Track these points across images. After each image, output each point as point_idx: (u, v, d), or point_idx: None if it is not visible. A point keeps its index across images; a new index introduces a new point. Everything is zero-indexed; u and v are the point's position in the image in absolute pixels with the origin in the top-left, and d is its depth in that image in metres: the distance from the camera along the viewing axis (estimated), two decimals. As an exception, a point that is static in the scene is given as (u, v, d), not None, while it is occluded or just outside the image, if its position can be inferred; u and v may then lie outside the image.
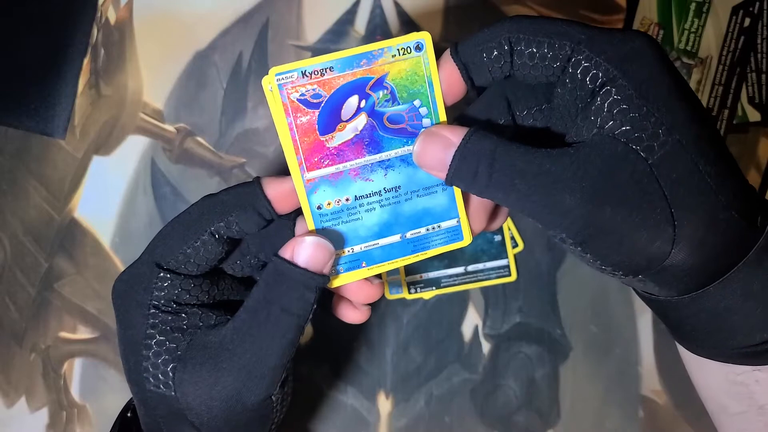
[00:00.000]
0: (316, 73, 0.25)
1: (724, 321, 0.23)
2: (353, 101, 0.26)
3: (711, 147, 0.22)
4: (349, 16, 0.41)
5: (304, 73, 0.25)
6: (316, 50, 0.41)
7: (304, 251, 0.26)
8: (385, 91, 0.26)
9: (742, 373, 0.24)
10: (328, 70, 0.25)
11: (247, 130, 0.41)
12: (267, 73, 0.25)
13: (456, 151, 0.24)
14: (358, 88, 0.26)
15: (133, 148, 0.41)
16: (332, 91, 0.25)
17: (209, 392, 0.25)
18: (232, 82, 0.41)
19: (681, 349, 0.27)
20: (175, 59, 0.41)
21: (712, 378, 0.26)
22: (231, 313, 0.28)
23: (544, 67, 0.24)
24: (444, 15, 0.41)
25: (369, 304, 0.30)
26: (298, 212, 0.28)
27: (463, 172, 0.24)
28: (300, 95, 0.25)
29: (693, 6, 0.40)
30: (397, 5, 0.41)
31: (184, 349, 0.26)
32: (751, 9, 0.40)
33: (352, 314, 0.30)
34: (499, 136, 0.24)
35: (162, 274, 0.26)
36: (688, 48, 0.40)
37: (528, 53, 0.24)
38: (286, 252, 0.26)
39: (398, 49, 0.25)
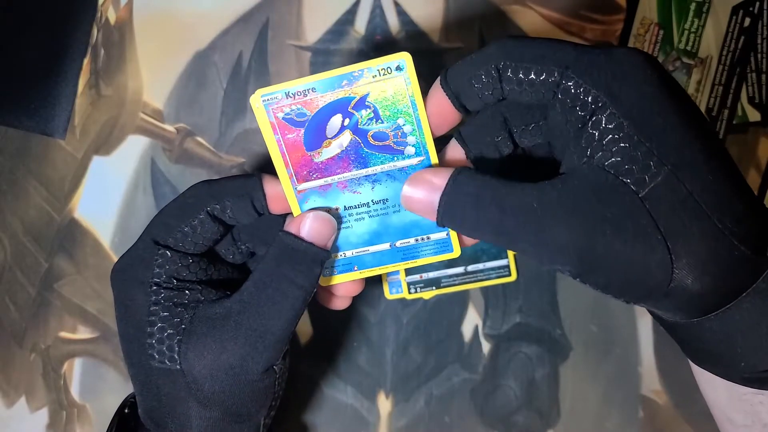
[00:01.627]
0: (299, 93, 0.26)
1: (728, 347, 0.23)
2: (336, 120, 0.27)
3: (709, 172, 0.21)
4: (349, 16, 0.41)
5: (288, 94, 0.26)
6: (316, 50, 0.41)
7: (310, 225, 0.27)
8: (368, 110, 0.27)
9: (747, 393, 0.24)
10: (310, 90, 0.26)
11: (247, 130, 0.41)
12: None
13: (441, 195, 0.24)
14: (340, 107, 0.27)
15: (133, 148, 0.41)
16: (316, 110, 0.27)
17: (215, 362, 0.26)
18: (232, 82, 0.41)
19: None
20: (175, 59, 0.41)
21: (719, 391, 0.26)
22: (230, 290, 0.28)
23: (534, 92, 0.24)
24: (444, 15, 0.41)
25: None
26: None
27: (451, 216, 0.25)
28: (285, 114, 0.27)
29: (693, 6, 0.40)
30: (397, 5, 0.41)
31: (188, 322, 0.27)
32: (751, 9, 0.40)
33: (336, 302, 0.31)
34: (484, 174, 0.24)
35: (161, 251, 0.27)
36: (688, 48, 0.40)
37: (516, 80, 0.24)
38: (292, 227, 0.27)
39: (378, 70, 0.26)
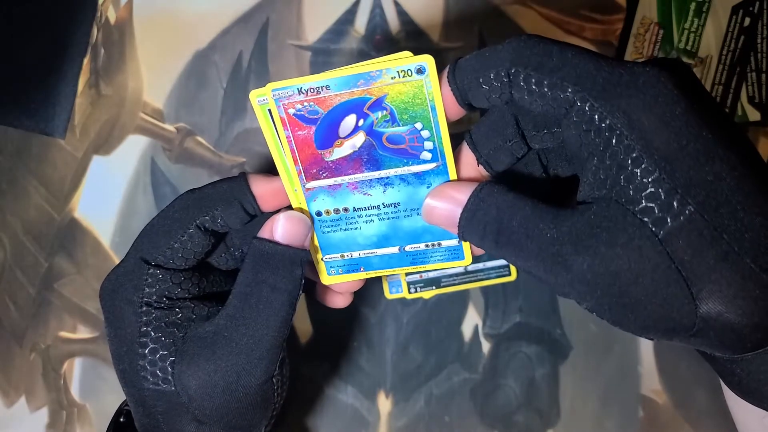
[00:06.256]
0: (312, 90, 0.25)
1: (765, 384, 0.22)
2: (350, 120, 0.26)
3: (742, 206, 0.19)
4: (349, 16, 0.41)
5: (300, 90, 0.25)
6: (316, 50, 0.41)
7: (282, 227, 0.26)
8: (384, 112, 0.25)
9: None
10: (324, 88, 0.25)
11: (247, 130, 0.41)
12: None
13: (462, 212, 0.24)
14: (355, 107, 0.25)
15: (133, 148, 0.41)
16: (329, 108, 0.25)
17: (210, 380, 0.26)
18: (232, 82, 0.41)
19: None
20: (176, 59, 0.41)
21: (750, 415, 0.25)
22: (222, 304, 0.28)
23: (545, 104, 0.22)
24: (444, 14, 0.41)
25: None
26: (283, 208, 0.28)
27: (471, 233, 0.24)
28: (297, 111, 0.25)
29: (693, 5, 0.40)
30: (396, 5, 0.41)
31: (181, 342, 0.26)
32: (751, 8, 0.40)
33: (337, 300, 0.31)
34: (505, 192, 0.23)
35: (151, 270, 0.27)
36: (688, 48, 0.40)
37: (527, 89, 0.22)
38: (264, 233, 0.27)
39: (398, 72, 0.24)
